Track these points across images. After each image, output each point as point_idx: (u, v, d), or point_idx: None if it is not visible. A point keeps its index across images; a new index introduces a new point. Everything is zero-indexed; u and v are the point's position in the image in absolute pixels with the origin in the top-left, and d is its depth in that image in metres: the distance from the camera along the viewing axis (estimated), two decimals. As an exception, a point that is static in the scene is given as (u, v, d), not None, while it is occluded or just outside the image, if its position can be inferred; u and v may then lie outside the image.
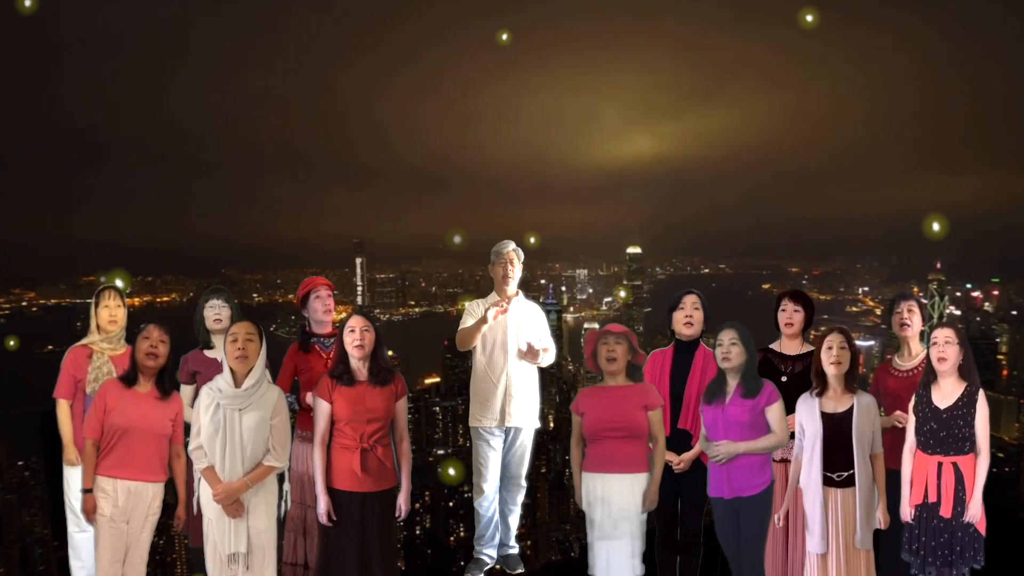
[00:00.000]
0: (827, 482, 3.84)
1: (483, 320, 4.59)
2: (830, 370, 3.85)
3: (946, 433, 3.75)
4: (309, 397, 4.03)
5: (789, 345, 4.33)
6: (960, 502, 3.73)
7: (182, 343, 4.44)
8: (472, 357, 4.79)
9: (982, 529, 3.75)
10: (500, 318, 4.66)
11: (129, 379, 3.94)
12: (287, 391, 4.22)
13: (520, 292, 4.81)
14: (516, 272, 4.76)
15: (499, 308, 4.59)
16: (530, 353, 4.65)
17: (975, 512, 3.71)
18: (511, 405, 4.66)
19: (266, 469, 3.81)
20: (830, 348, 3.86)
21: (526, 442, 4.78)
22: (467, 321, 4.74)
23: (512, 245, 4.79)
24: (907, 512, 3.84)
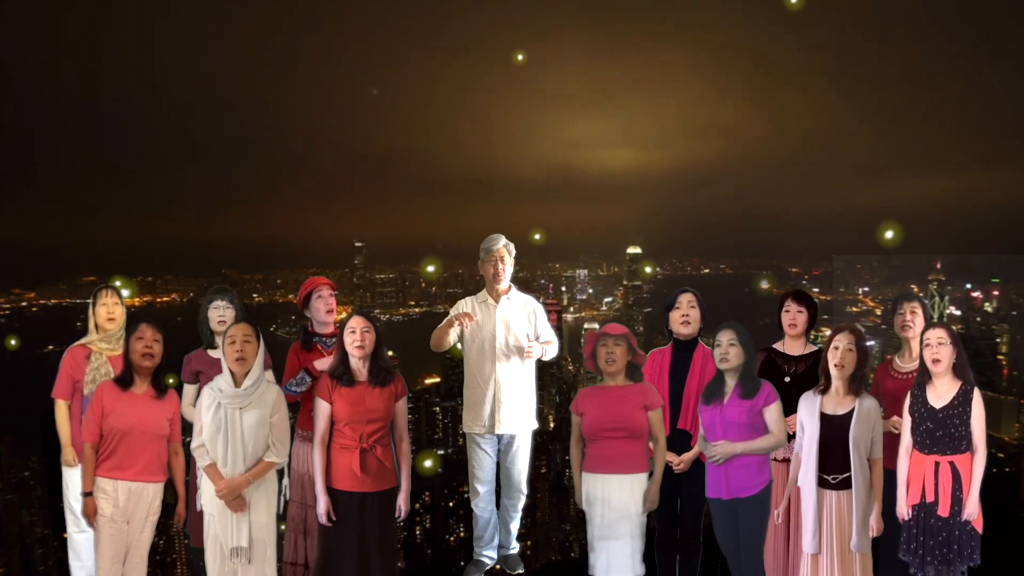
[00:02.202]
0: (822, 484, 3.84)
1: (450, 323, 4.47)
2: (833, 371, 3.85)
3: (942, 433, 3.75)
4: (324, 363, 4.01)
5: (792, 345, 4.33)
6: (958, 501, 3.74)
7: (184, 343, 4.46)
8: (463, 361, 4.70)
9: (979, 527, 3.77)
10: (487, 320, 4.58)
11: (124, 381, 3.96)
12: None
13: (512, 287, 4.72)
14: (507, 269, 4.65)
15: (467, 319, 4.47)
16: (526, 356, 4.54)
17: (972, 510, 3.73)
18: (500, 412, 4.57)
19: (267, 465, 3.85)
20: (836, 348, 3.85)
21: (523, 447, 4.71)
22: (445, 336, 4.64)
23: (502, 241, 4.67)
24: (904, 511, 3.85)
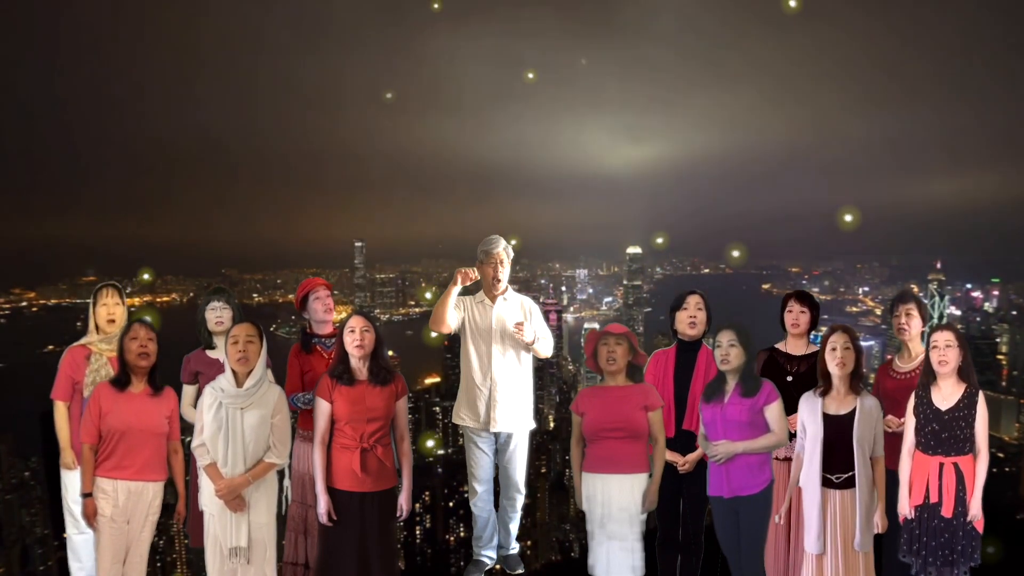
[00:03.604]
0: (826, 483, 3.83)
1: (452, 284, 4.42)
2: (835, 371, 3.84)
3: (948, 434, 3.75)
4: None
5: (795, 345, 4.34)
6: (961, 502, 3.73)
7: (183, 343, 4.45)
8: (460, 357, 4.67)
9: (980, 527, 3.77)
10: (484, 319, 4.56)
11: (121, 382, 3.93)
12: (299, 391, 4.23)
13: (509, 287, 4.69)
14: (506, 272, 4.63)
15: (465, 274, 4.41)
16: (517, 336, 4.46)
17: (976, 512, 3.72)
18: (496, 411, 4.54)
19: (267, 465, 3.84)
20: (834, 349, 3.84)
21: (520, 446, 4.67)
22: (446, 304, 4.54)
23: (501, 245, 4.63)
24: (906, 509, 3.85)
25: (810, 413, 3.89)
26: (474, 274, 4.49)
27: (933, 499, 3.76)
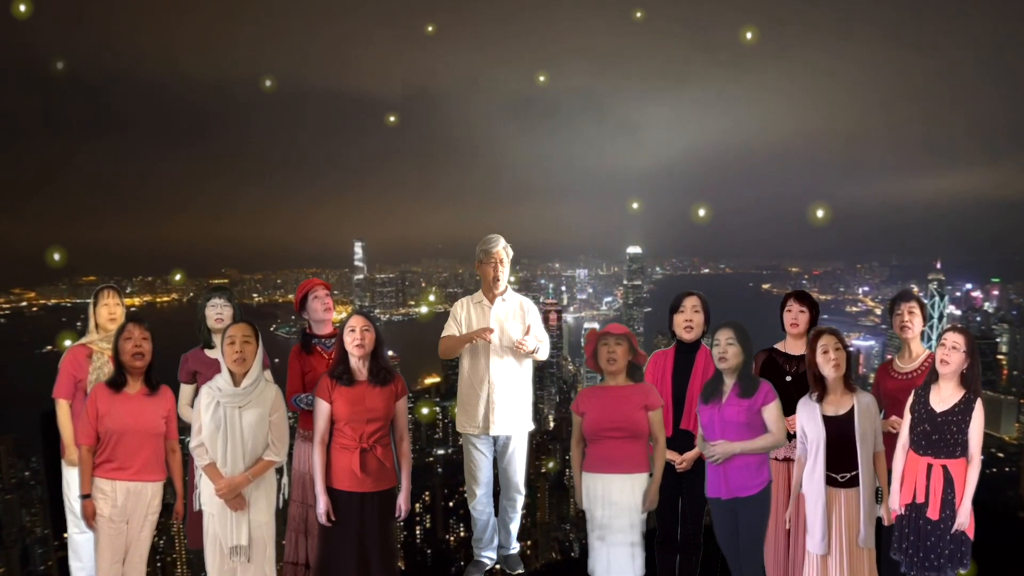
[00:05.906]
0: (831, 483, 3.84)
1: (467, 339, 4.48)
2: (830, 373, 3.84)
3: (938, 436, 3.74)
4: None
5: (794, 345, 4.33)
6: (949, 505, 3.72)
7: (182, 343, 4.45)
8: (458, 361, 4.67)
9: (970, 533, 3.75)
10: (482, 321, 4.56)
11: (117, 384, 3.94)
12: (300, 391, 4.24)
13: (508, 287, 4.68)
14: (505, 271, 4.63)
15: (483, 337, 4.45)
16: (519, 351, 4.50)
17: (964, 519, 3.70)
18: (494, 413, 4.54)
19: (266, 463, 3.86)
20: (826, 351, 3.84)
21: (518, 448, 4.68)
22: (451, 326, 4.63)
23: (501, 243, 4.62)
24: (896, 505, 3.85)
25: (810, 418, 3.89)
26: (491, 338, 4.50)
27: (920, 499, 3.76)
